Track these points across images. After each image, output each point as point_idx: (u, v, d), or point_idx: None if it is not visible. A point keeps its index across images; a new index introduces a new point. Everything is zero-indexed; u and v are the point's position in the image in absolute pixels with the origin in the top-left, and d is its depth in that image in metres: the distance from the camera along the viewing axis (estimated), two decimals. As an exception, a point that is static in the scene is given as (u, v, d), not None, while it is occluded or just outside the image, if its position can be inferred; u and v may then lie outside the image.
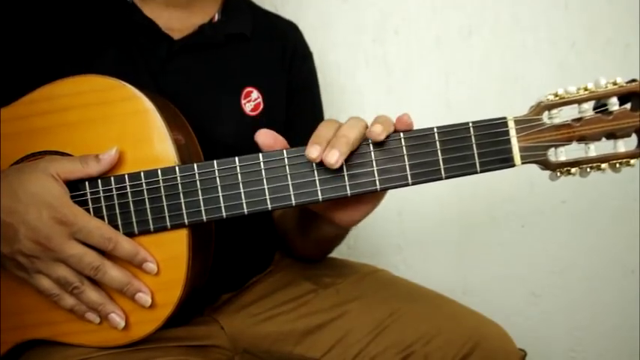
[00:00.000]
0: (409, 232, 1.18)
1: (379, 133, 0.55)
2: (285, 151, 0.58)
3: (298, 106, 0.84)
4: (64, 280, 0.57)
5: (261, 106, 0.78)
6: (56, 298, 0.58)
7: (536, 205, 1.13)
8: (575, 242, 1.15)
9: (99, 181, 0.58)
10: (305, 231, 0.76)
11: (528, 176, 1.11)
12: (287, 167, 0.57)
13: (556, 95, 0.57)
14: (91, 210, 0.59)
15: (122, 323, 0.59)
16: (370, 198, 0.61)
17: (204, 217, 0.58)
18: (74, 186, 0.59)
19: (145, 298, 0.59)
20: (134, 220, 0.58)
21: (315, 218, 0.67)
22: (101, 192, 0.58)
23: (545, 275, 1.16)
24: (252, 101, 0.77)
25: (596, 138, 0.56)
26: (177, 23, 0.75)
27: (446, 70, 1.11)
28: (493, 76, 1.10)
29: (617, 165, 0.57)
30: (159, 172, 0.58)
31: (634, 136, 0.56)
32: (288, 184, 0.57)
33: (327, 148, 0.55)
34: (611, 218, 1.13)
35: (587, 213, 1.13)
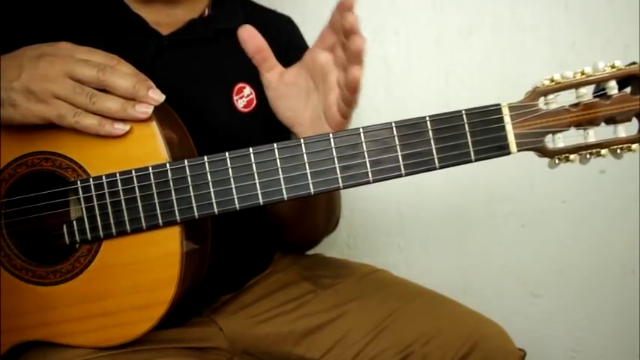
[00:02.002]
0: (409, 232, 1.18)
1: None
2: (276, 145, 0.57)
3: None
4: (79, 89, 0.56)
5: (255, 102, 0.76)
6: (78, 118, 0.56)
7: (536, 205, 1.13)
8: (575, 242, 1.14)
9: (90, 179, 0.58)
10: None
11: (528, 176, 1.11)
12: (278, 161, 0.57)
13: (552, 80, 0.55)
14: (84, 209, 0.59)
15: (149, 110, 0.57)
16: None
17: (196, 214, 0.58)
18: (65, 184, 0.59)
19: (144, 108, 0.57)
20: (126, 218, 0.58)
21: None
22: (93, 190, 0.58)
23: (545, 275, 1.16)
24: (244, 97, 0.76)
25: (595, 123, 0.55)
26: (165, 18, 0.74)
27: (446, 69, 1.11)
28: (493, 76, 1.10)
29: (618, 150, 0.55)
30: (150, 168, 0.58)
31: (635, 121, 0.55)
32: (280, 178, 0.57)
33: None
34: (611, 218, 1.12)
35: (587, 213, 1.12)
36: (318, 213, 0.79)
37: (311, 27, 1.07)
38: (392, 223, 1.17)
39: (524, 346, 0.75)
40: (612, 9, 1.05)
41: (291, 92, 0.63)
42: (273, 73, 0.64)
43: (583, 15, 1.06)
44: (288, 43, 0.84)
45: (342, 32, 0.55)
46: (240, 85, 0.76)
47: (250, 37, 0.60)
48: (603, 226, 1.13)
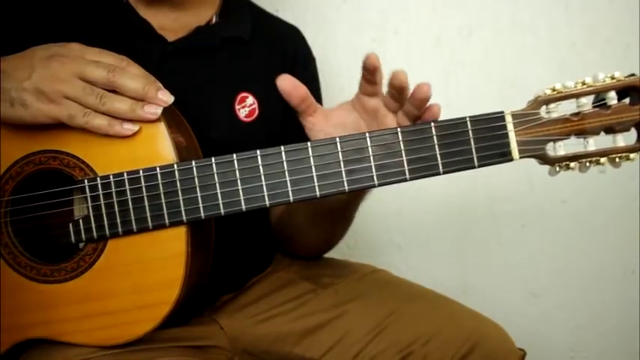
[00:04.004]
0: (409, 232, 1.18)
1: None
2: (283, 148, 0.58)
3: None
4: (89, 90, 0.56)
5: (257, 112, 0.77)
6: (88, 118, 0.57)
7: (537, 205, 1.13)
8: (575, 242, 1.15)
9: (98, 178, 0.59)
10: (320, 209, 0.73)
11: (528, 176, 1.12)
12: (285, 163, 0.58)
13: (554, 89, 0.56)
14: (90, 207, 0.59)
15: (158, 111, 0.58)
16: None
17: (203, 215, 0.58)
18: (72, 183, 0.59)
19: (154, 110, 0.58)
20: (133, 217, 0.58)
21: None
22: (100, 190, 0.58)
23: (545, 275, 1.16)
24: (246, 107, 0.76)
25: (594, 132, 0.56)
26: (172, 23, 0.74)
27: (446, 69, 1.11)
28: (493, 76, 1.10)
29: (617, 159, 0.56)
30: (157, 169, 0.58)
31: (633, 131, 0.56)
32: (286, 180, 0.57)
33: None
34: (611, 218, 1.13)
35: (587, 213, 1.13)
36: (338, 222, 0.78)
37: (311, 27, 1.08)
38: (392, 223, 1.17)
39: (524, 346, 0.75)
40: (612, 9, 1.05)
41: (338, 131, 0.63)
42: (317, 115, 0.63)
43: (583, 15, 1.07)
44: (294, 56, 0.84)
45: (394, 89, 0.58)
46: (243, 94, 0.76)
47: (293, 88, 0.60)
48: (603, 226, 1.13)
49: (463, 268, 1.18)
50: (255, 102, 0.77)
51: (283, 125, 0.80)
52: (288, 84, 0.59)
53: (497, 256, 1.17)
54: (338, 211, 0.74)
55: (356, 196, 0.69)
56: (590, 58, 1.07)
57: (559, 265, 1.16)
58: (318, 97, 0.89)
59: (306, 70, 0.87)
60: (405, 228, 1.17)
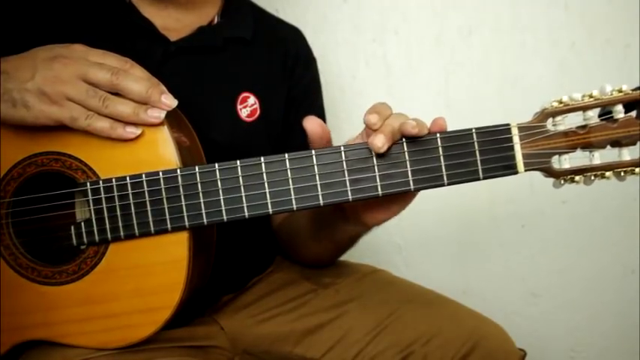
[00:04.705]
0: (409, 232, 1.18)
1: (413, 126, 0.55)
2: (287, 155, 0.57)
3: (299, 112, 0.83)
4: (92, 92, 0.56)
5: (258, 112, 0.77)
6: (90, 121, 0.56)
7: (537, 206, 1.13)
8: (575, 242, 1.15)
9: (100, 182, 0.58)
10: (322, 231, 0.73)
11: (529, 177, 1.11)
12: (289, 171, 0.57)
13: (560, 102, 0.56)
14: (92, 210, 0.59)
15: (162, 115, 0.57)
16: (400, 199, 0.60)
17: (205, 220, 0.58)
18: (74, 186, 0.59)
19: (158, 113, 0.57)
20: (135, 221, 0.58)
21: (336, 217, 0.66)
22: (102, 193, 0.58)
23: (545, 275, 1.16)
24: (248, 107, 0.76)
25: (601, 146, 0.56)
26: (175, 23, 0.74)
27: (446, 70, 1.11)
28: (493, 76, 1.10)
29: (622, 173, 0.56)
30: (160, 173, 0.58)
31: (638, 144, 0.56)
32: (290, 188, 0.57)
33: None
34: (611, 218, 1.12)
35: (587, 213, 1.12)
36: (339, 245, 0.78)
37: (311, 27, 1.08)
38: (392, 223, 1.16)
39: (524, 346, 0.75)
40: (612, 9, 1.05)
41: None
42: None
43: (583, 15, 1.06)
44: (295, 57, 0.84)
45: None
46: (245, 94, 0.76)
47: (322, 131, 0.58)
48: (603, 226, 1.13)
49: (463, 268, 1.18)
50: (257, 102, 0.77)
51: (285, 128, 0.81)
52: (316, 126, 0.57)
53: (497, 256, 1.17)
54: (340, 235, 0.73)
55: (362, 227, 0.68)
56: (590, 58, 1.07)
57: (559, 265, 1.16)
58: (318, 97, 0.90)
59: (308, 71, 0.87)
60: (405, 228, 1.17)
